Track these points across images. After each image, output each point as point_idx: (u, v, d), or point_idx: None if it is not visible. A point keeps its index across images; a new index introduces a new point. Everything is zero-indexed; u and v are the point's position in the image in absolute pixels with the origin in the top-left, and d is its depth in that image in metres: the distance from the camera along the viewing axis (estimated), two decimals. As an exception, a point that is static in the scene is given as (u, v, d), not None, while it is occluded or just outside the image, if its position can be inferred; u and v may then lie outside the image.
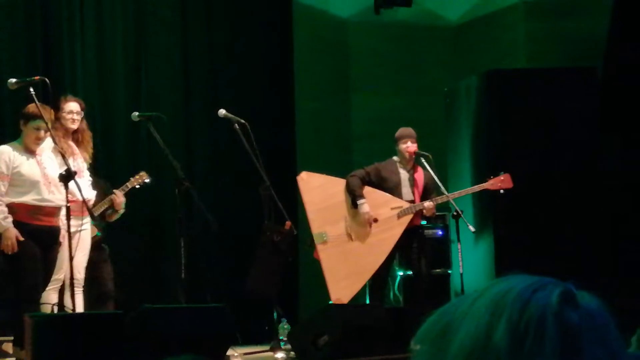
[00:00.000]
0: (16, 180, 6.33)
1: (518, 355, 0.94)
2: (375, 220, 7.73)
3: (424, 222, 8.35)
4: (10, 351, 6.22)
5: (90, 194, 6.91)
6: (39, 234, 6.38)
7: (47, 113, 6.30)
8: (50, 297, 6.63)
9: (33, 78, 6.34)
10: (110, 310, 7.12)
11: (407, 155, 7.85)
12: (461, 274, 7.74)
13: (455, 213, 7.72)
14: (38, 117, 6.23)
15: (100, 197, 7.17)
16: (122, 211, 7.25)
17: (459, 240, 7.84)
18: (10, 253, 6.23)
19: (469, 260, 8.18)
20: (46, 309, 6.50)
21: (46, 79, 6.25)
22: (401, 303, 8.85)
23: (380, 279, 7.85)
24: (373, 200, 7.75)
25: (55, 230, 6.47)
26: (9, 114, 7.88)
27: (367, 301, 8.20)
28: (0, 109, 8.23)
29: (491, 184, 7.78)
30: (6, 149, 6.41)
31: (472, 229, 7.73)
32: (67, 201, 6.10)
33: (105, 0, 9.05)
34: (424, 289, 7.78)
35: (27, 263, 6.30)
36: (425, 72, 10.63)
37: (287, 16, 10.03)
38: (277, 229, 7.18)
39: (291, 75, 10.00)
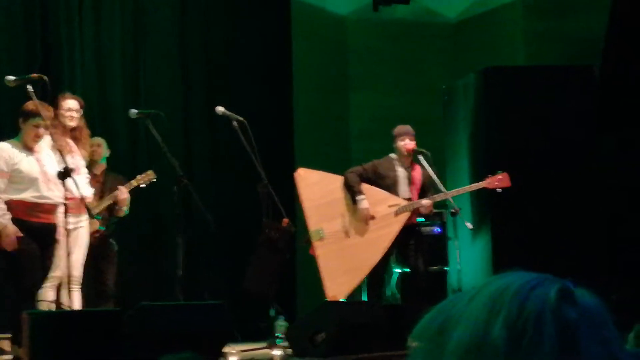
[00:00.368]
0: (15, 177, 6.33)
1: (516, 352, 0.94)
2: (373, 218, 7.73)
3: (421, 220, 8.36)
4: (8, 348, 6.22)
5: (88, 192, 6.91)
6: (37, 231, 6.38)
7: (46, 111, 6.31)
8: (47, 294, 6.62)
9: (31, 76, 6.34)
10: (108, 308, 7.12)
11: (405, 152, 7.85)
12: (459, 271, 7.75)
13: (453, 210, 7.72)
14: (37, 114, 6.22)
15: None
16: (126, 208, 7.30)
17: (456, 237, 7.85)
18: (9, 250, 6.23)
19: (467, 257, 8.19)
20: (44, 307, 6.50)
21: (45, 77, 6.25)
22: (398, 300, 8.85)
23: (377, 276, 7.86)
24: (371, 197, 7.75)
25: (53, 228, 6.47)
26: (7, 111, 7.87)
27: (365, 298, 8.21)
28: (-1, 106, 8.23)
29: (489, 182, 7.79)
30: (5, 146, 6.41)
31: (469, 226, 7.73)
32: (65, 198, 6.10)
33: (104, -2, 9.07)
34: (421, 286, 7.79)
35: (26, 260, 6.29)
36: (424, 70, 10.63)
37: (285, 14, 10.03)
38: (275, 227, 7.18)
39: (289, 73, 10.00)
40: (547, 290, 0.97)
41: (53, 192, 6.39)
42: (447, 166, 9.27)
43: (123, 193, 7.20)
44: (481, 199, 8.48)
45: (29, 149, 6.44)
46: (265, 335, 7.20)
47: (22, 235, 6.26)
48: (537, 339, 0.94)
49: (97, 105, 8.79)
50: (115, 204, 7.32)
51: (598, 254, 8.45)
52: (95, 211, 6.94)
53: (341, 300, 7.61)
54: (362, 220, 7.75)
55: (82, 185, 6.57)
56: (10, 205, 6.30)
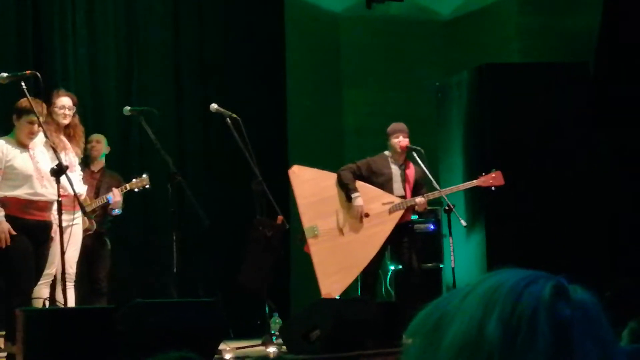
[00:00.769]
0: (9, 174, 6.32)
1: (510, 349, 0.94)
2: (367, 215, 7.73)
3: (415, 217, 8.36)
4: (2, 346, 6.21)
5: (82, 189, 6.90)
6: (31, 229, 6.37)
7: (39, 107, 6.29)
8: (41, 291, 6.61)
9: (24, 72, 6.32)
10: (102, 305, 7.11)
11: (399, 149, 7.85)
12: (453, 269, 7.75)
13: (447, 207, 7.72)
14: (31, 111, 6.21)
15: (111, 190, 7.27)
16: (119, 210, 7.29)
17: (450, 234, 7.85)
18: (2, 247, 6.22)
19: (461, 254, 8.19)
20: (38, 304, 6.49)
21: (37, 74, 6.23)
22: (393, 297, 8.85)
23: (371, 273, 7.86)
24: (365, 194, 7.75)
25: (47, 225, 6.46)
26: (0, 108, 7.85)
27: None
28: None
29: (482, 180, 7.80)
30: (-2, 142, 6.40)
31: (463, 223, 7.74)
32: (59, 195, 6.09)
33: (96, -6, 9.05)
34: (415, 283, 7.79)
35: (19, 258, 6.28)
36: (417, 67, 10.63)
37: (278, 11, 10.02)
38: (269, 224, 7.18)
39: (283, 70, 10.00)
40: (541, 287, 0.97)
41: (47, 189, 6.38)
42: (440, 163, 9.28)
43: (116, 196, 7.21)
44: (475, 196, 8.48)
45: (23, 145, 6.42)
46: (260, 332, 7.21)
47: (15, 233, 6.24)
48: (531, 335, 0.94)
49: (90, 102, 8.77)
50: (108, 204, 7.31)
51: (592, 251, 8.46)
52: (89, 209, 6.93)
53: (335, 297, 7.61)
54: (357, 218, 7.75)
55: (76, 183, 6.56)
56: (4, 202, 6.29)
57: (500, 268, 1.02)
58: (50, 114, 6.76)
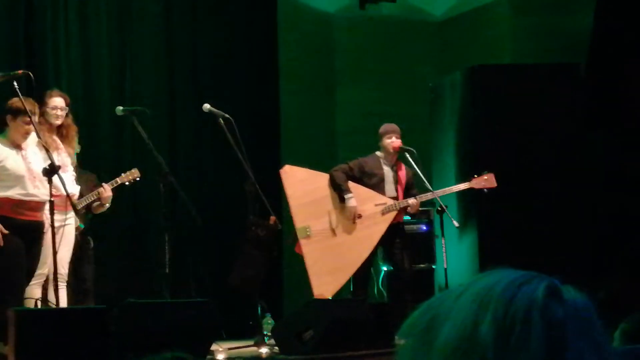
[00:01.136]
0: (1, 174, 6.31)
1: (504, 349, 0.94)
2: (360, 216, 7.73)
3: (407, 218, 8.36)
4: (-6, 346, 6.19)
5: (74, 189, 6.88)
6: (23, 229, 6.35)
7: (31, 106, 6.28)
8: (33, 291, 6.60)
9: (17, 72, 6.31)
10: (94, 305, 7.09)
11: (391, 150, 7.85)
12: (445, 269, 7.76)
13: (439, 208, 7.73)
14: (27, 111, 6.20)
15: (89, 190, 7.12)
16: (108, 205, 7.21)
17: (443, 235, 7.86)
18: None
19: (453, 255, 8.20)
20: (30, 304, 6.47)
21: (30, 73, 6.22)
22: (385, 298, 8.85)
23: (363, 274, 7.85)
24: (357, 195, 7.75)
25: (40, 225, 6.45)
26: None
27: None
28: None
29: (475, 182, 7.81)
30: (-10, 143, 6.39)
31: (456, 224, 7.75)
32: (51, 196, 6.08)
33: (89, -6, 9.03)
34: (406, 283, 7.79)
35: (11, 258, 6.27)
36: (410, 68, 10.64)
37: (272, 11, 10.02)
38: (262, 224, 7.17)
39: (276, 70, 10.00)
40: (534, 287, 0.97)
41: (39, 190, 6.37)
42: (433, 164, 9.28)
43: (107, 191, 7.10)
44: (467, 197, 8.49)
45: (15, 146, 6.41)
46: (252, 332, 7.20)
47: (7, 232, 6.23)
48: (524, 336, 0.94)
49: (83, 101, 8.75)
50: (95, 201, 7.22)
51: (584, 252, 8.47)
52: (78, 208, 6.89)
53: (328, 298, 7.61)
54: (350, 219, 7.75)
55: (68, 183, 6.55)
56: (-4, 202, 6.28)
57: (492, 269, 1.02)
58: (42, 114, 6.75)
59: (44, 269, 6.59)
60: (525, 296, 0.96)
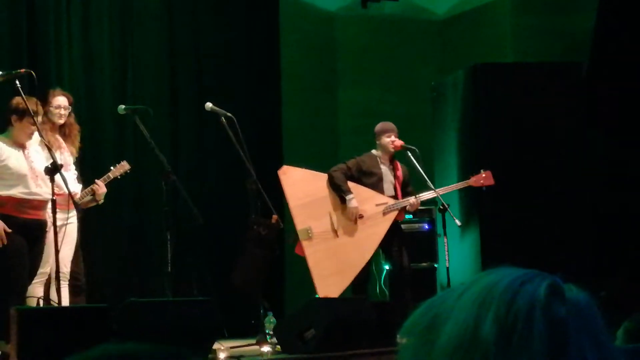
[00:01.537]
0: (3, 173, 6.31)
1: (506, 348, 0.94)
2: (361, 217, 7.72)
3: (409, 216, 8.36)
4: (-4, 345, 6.20)
5: (77, 188, 6.89)
6: (26, 227, 6.36)
7: (33, 105, 6.28)
8: (36, 290, 6.61)
9: (19, 71, 6.31)
10: (96, 304, 7.09)
11: (392, 148, 7.84)
12: (447, 268, 7.75)
13: (441, 207, 7.73)
14: (33, 112, 6.20)
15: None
16: (102, 201, 7.19)
17: (445, 234, 7.86)
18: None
19: (455, 254, 8.20)
20: (32, 303, 6.48)
21: (32, 72, 6.22)
22: (387, 297, 8.85)
23: (364, 273, 7.84)
24: (357, 195, 7.73)
25: (42, 224, 6.46)
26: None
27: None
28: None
29: (474, 181, 7.81)
30: (-7, 142, 6.39)
31: (458, 222, 7.74)
32: (54, 194, 6.08)
33: (91, -7, 9.03)
34: (407, 282, 7.79)
35: (14, 257, 6.27)
36: (412, 67, 10.63)
37: (274, 10, 10.02)
38: (264, 223, 7.17)
39: (278, 69, 10.00)
40: (536, 286, 0.97)
41: (42, 188, 6.37)
42: (435, 163, 9.28)
43: (101, 187, 7.11)
44: (469, 195, 8.49)
45: (19, 145, 6.41)
46: (254, 331, 7.20)
47: (10, 231, 6.23)
48: (526, 335, 0.94)
49: (85, 100, 8.75)
50: (91, 200, 7.20)
51: (586, 251, 8.47)
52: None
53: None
54: (351, 220, 7.74)
55: (71, 182, 6.55)
56: (-1, 201, 6.29)
57: (494, 267, 1.02)
58: (45, 113, 6.75)
59: (46, 267, 6.60)
60: (527, 295, 0.96)
